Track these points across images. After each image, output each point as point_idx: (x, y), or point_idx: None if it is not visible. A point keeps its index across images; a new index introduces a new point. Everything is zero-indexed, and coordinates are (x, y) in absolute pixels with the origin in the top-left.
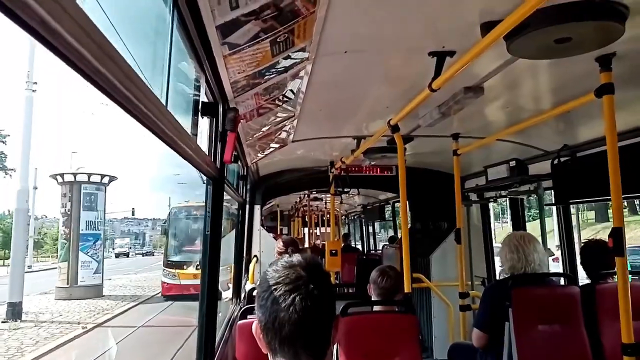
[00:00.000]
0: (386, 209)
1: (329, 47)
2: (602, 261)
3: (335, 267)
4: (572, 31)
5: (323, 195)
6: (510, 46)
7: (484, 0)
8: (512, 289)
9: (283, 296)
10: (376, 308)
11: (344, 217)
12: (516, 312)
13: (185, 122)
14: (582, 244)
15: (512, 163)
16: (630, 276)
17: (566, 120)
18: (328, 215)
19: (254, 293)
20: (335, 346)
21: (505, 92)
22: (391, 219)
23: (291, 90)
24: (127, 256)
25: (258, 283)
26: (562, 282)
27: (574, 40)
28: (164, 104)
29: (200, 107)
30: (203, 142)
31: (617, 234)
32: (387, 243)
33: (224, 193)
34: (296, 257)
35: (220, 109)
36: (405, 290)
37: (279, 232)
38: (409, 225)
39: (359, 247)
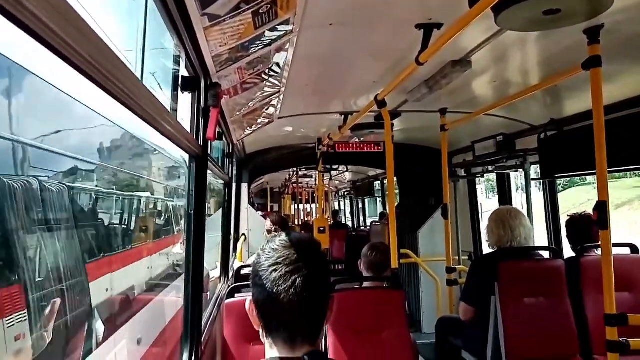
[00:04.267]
0: (375, 185)
1: (313, 20)
2: (586, 234)
3: (324, 244)
4: (562, 2)
5: (312, 172)
6: (499, 18)
7: None
8: (498, 263)
9: (283, 277)
10: (365, 284)
11: (334, 194)
12: (502, 286)
13: (165, 98)
14: (567, 218)
15: (500, 138)
16: (613, 249)
17: (553, 95)
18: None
19: (242, 272)
20: None
21: (493, 66)
22: (380, 195)
23: (277, 64)
24: None
25: (254, 261)
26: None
27: (563, 12)
28: (139, 77)
29: (180, 81)
30: (185, 118)
31: (602, 207)
32: (378, 219)
33: (209, 171)
34: (294, 236)
35: (202, 84)
36: (393, 266)
37: (269, 210)
38: (397, 202)
39: (350, 224)
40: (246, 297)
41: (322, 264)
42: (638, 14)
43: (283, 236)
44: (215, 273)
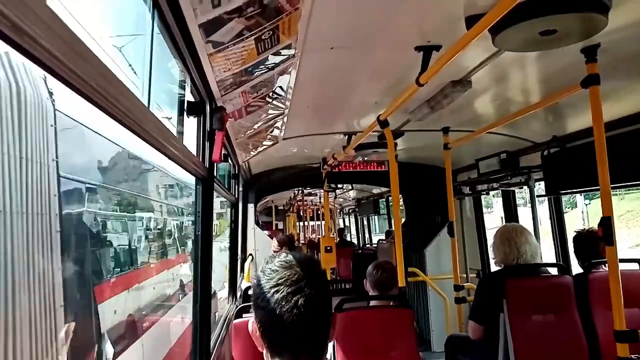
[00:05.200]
0: (381, 202)
1: (315, 44)
2: (594, 250)
3: (331, 264)
4: (557, 23)
5: (317, 190)
6: (496, 39)
7: None
8: (506, 281)
9: (286, 298)
10: (372, 303)
11: (339, 211)
12: (510, 303)
13: (172, 122)
14: (575, 234)
15: (503, 155)
16: (620, 264)
17: (555, 112)
18: (322, 210)
19: (250, 292)
20: (332, 342)
21: (493, 85)
22: (385, 213)
23: (280, 87)
24: None
25: (254, 283)
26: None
27: (558, 32)
28: (146, 104)
29: (185, 106)
30: (191, 142)
31: (607, 223)
32: (384, 237)
33: (215, 193)
34: (293, 256)
35: (207, 108)
36: (400, 285)
37: (274, 227)
38: (403, 220)
39: (355, 241)
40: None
41: (322, 283)
42: (633, 33)
43: (282, 256)
44: (222, 293)
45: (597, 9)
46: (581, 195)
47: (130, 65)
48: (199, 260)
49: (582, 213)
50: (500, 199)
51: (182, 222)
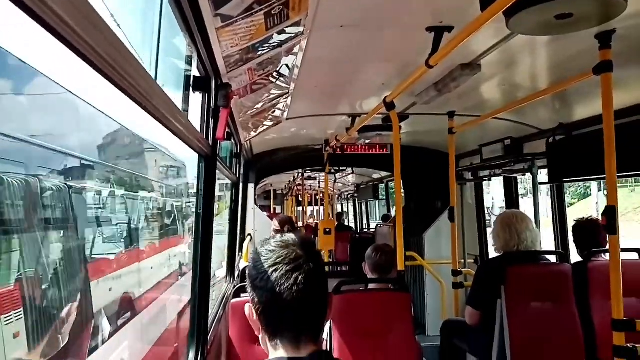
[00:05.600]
0: (380, 187)
1: (324, 21)
2: (593, 239)
3: (329, 246)
4: (574, 6)
5: (317, 174)
6: (510, 22)
7: None
8: (505, 267)
9: (285, 276)
10: (371, 286)
11: (337, 197)
12: (508, 290)
13: (177, 97)
14: (574, 222)
15: (507, 142)
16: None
17: (562, 99)
18: (321, 195)
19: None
20: (328, 324)
21: (503, 69)
22: (384, 197)
23: (286, 66)
24: None
25: (250, 265)
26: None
27: (575, 16)
28: (153, 77)
29: (192, 81)
30: (195, 118)
31: (611, 212)
32: (380, 221)
33: (217, 171)
34: (289, 236)
35: (213, 84)
36: (399, 268)
37: (272, 211)
38: (403, 204)
39: (353, 226)
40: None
41: (319, 260)
42: None
43: (277, 237)
44: (220, 273)
45: None
46: (597, 184)
47: (137, 36)
48: (200, 238)
49: (597, 205)
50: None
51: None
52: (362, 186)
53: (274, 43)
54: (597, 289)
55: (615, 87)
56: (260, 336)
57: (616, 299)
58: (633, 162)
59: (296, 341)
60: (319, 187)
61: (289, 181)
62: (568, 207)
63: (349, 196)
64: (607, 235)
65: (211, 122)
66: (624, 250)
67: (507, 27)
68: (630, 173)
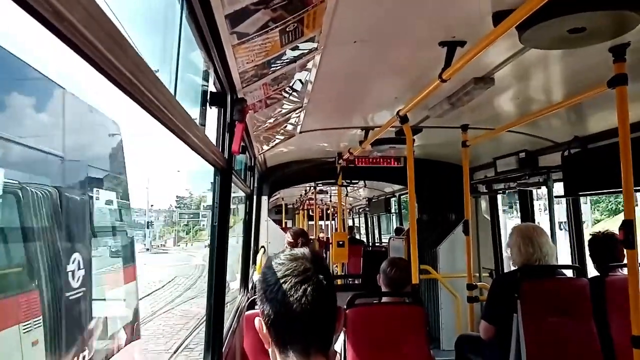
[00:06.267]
0: (392, 201)
1: (338, 37)
2: (610, 253)
3: (343, 259)
4: (587, 21)
5: (328, 188)
6: (523, 36)
7: None
8: (521, 282)
9: (294, 287)
10: (385, 299)
11: (348, 211)
12: (524, 305)
13: (194, 112)
14: (590, 236)
15: (522, 155)
16: None
17: (577, 112)
18: (332, 209)
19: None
20: (342, 337)
21: (516, 82)
22: (397, 211)
23: (299, 81)
24: None
25: (260, 278)
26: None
27: (588, 30)
28: (173, 93)
29: (208, 97)
30: (211, 132)
31: (628, 226)
32: (393, 234)
33: (232, 184)
34: (298, 250)
35: (229, 99)
36: (413, 282)
37: (284, 225)
38: (417, 217)
39: (365, 240)
40: None
41: (328, 273)
42: None
43: (287, 251)
44: (234, 285)
45: (630, 7)
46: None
47: (158, 53)
48: (215, 250)
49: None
50: None
51: None
52: (373, 200)
53: (288, 59)
54: (615, 304)
55: (630, 100)
56: (270, 350)
57: (635, 314)
58: None
59: (306, 353)
60: (330, 201)
61: (301, 195)
62: (596, 223)
63: (360, 210)
64: (625, 250)
65: (227, 136)
66: None
67: (519, 41)
68: None
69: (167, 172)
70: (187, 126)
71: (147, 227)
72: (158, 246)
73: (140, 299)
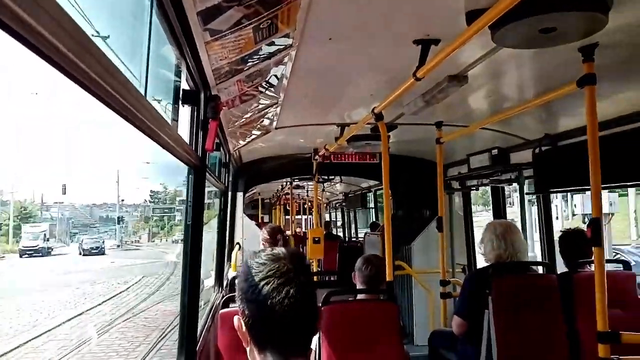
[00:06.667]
0: (368, 196)
1: (313, 34)
2: (580, 250)
3: (319, 255)
4: (557, 21)
5: (305, 183)
6: (495, 35)
7: None
8: (492, 278)
9: (276, 290)
10: (360, 296)
11: (325, 206)
12: (495, 300)
13: (166, 110)
14: (561, 233)
15: (494, 152)
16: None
17: (548, 110)
18: (309, 204)
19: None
20: (317, 335)
21: (489, 81)
22: (373, 206)
23: (275, 76)
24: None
25: (240, 277)
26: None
27: (558, 30)
28: (143, 92)
29: (181, 95)
30: (184, 130)
31: (596, 224)
32: (369, 230)
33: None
34: (279, 250)
35: (202, 97)
36: (387, 279)
37: (260, 220)
38: (392, 213)
39: (341, 234)
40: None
41: (309, 275)
42: (632, 33)
43: (268, 250)
44: (208, 282)
45: (598, 9)
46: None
47: (127, 51)
48: (189, 249)
49: (635, 214)
50: None
51: None
52: (350, 195)
53: (263, 55)
54: (583, 300)
55: (599, 98)
56: (248, 348)
57: (601, 311)
58: (618, 173)
59: (285, 355)
60: (307, 195)
61: (277, 190)
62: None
63: (337, 205)
64: (593, 247)
65: (200, 133)
66: (609, 261)
67: (492, 40)
68: (615, 184)
69: (140, 165)
70: (158, 125)
71: (118, 223)
72: (133, 242)
73: (99, 305)
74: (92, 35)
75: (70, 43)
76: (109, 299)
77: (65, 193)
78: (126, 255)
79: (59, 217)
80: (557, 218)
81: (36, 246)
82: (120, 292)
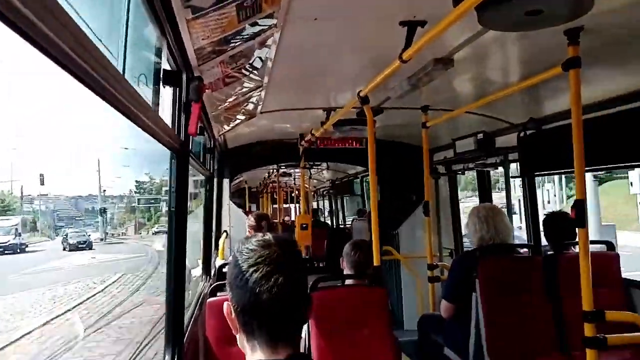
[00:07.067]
0: (355, 183)
1: (298, 13)
2: (564, 232)
3: (306, 241)
4: (544, 3)
5: (292, 171)
6: (482, 17)
7: None
8: (478, 260)
9: (265, 277)
10: (348, 282)
11: (313, 193)
12: (482, 283)
13: (147, 92)
14: (545, 216)
15: (480, 136)
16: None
17: (533, 94)
18: (297, 192)
19: (225, 269)
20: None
21: (475, 64)
22: (360, 193)
23: (259, 58)
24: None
25: (230, 262)
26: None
27: (544, 13)
28: (121, 71)
29: (161, 75)
30: (166, 113)
31: (580, 205)
32: (356, 216)
33: (190, 167)
34: (270, 236)
35: (184, 78)
36: (375, 264)
37: (247, 209)
38: (378, 199)
39: (329, 222)
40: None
41: (300, 262)
42: (617, 17)
43: (259, 236)
44: (196, 272)
45: None
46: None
47: (104, 29)
48: (173, 236)
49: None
50: None
51: None
52: (337, 182)
53: (246, 35)
54: (568, 281)
55: (583, 82)
56: (237, 335)
57: (586, 290)
58: (601, 155)
59: (274, 342)
60: (295, 183)
61: (264, 178)
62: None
63: (325, 192)
64: (577, 229)
65: (183, 116)
66: (593, 242)
67: (479, 22)
68: (598, 167)
69: (123, 153)
70: (138, 107)
71: (101, 215)
72: (119, 235)
73: (68, 312)
74: (68, 9)
75: (45, 17)
76: (79, 304)
77: (43, 184)
78: (109, 249)
79: (40, 209)
80: (548, 202)
81: (6, 242)
82: (95, 294)
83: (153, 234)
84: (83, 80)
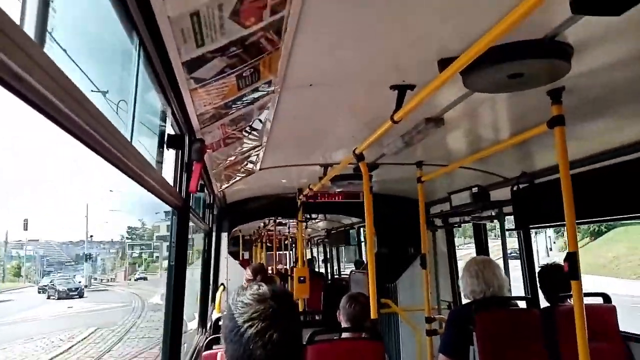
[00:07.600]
0: (352, 233)
1: (294, 81)
2: (560, 284)
3: (304, 294)
4: (524, 67)
5: (287, 220)
6: (466, 81)
7: (441, 39)
8: (476, 313)
9: (260, 333)
10: (345, 335)
11: (307, 241)
12: (480, 336)
13: (151, 153)
14: (540, 268)
15: (475, 189)
16: (585, 298)
17: (523, 149)
18: (290, 240)
19: (220, 322)
20: None
21: (465, 122)
22: (356, 243)
23: (259, 120)
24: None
25: (225, 314)
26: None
27: (525, 76)
28: (129, 138)
29: (166, 139)
30: (169, 172)
31: (572, 258)
32: (354, 267)
33: (190, 222)
34: (265, 289)
35: (187, 141)
36: (372, 317)
37: (241, 257)
38: (375, 250)
39: (323, 271)
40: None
41: (296, 317)
42: (596, 78)
43: (255, 289)
44: (192, 325)
45: (559, 57)
46: None
47: (113, 95)
48: (172, 290)
49: None
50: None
51: None
52: (332, 231)
53: (246, 100)
54: (566, 333)
55: (570, 137)
56: None
57: (582, 344)
58: (591, 209)
59: None
60: (289, 232)
61: (259, 227)
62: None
63: (319, 241)
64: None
65: (184, 175)
66: (588, 294)
67: (464, 85)
68: (589, 220)
69: (117, 199)
70: (143, 169)
71: (86, 261)
72: (108, 280)
73: None
74: (86, 83)
75: (62, 95)
76: None
77: (27, 229)
78: (92, 298)
79: (25, 254)
80: (551, 249)
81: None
82: (57, 356)
83: (135, 280)
84: (95, 149)
